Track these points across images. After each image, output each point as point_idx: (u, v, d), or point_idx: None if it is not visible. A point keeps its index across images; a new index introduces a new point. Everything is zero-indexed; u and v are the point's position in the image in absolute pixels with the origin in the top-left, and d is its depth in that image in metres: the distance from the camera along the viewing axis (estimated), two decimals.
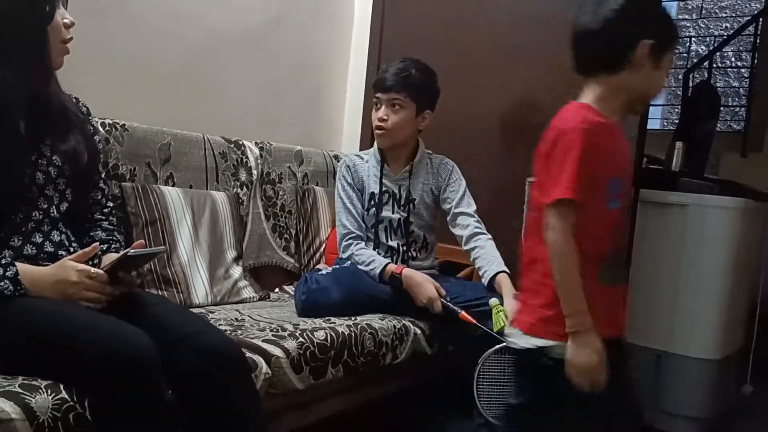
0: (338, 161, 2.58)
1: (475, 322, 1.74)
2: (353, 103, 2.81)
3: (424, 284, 1.87)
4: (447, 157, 2.15)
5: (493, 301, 1.78)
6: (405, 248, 2.08)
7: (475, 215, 2.04)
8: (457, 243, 2.06)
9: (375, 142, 2.12)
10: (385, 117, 2.01)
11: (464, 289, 1.96)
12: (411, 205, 2.08)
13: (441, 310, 1.84)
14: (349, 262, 2.01)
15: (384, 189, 2.08)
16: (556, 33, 2.26)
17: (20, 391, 1.05)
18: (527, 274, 1.29)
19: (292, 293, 2.10)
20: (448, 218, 2.07)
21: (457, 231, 2.04)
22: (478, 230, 2.00)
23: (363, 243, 2.04)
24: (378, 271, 1.93)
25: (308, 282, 1.90)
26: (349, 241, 2.03)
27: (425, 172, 2.10)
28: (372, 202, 2.07)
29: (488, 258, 1.93)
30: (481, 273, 1.94)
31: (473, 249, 1.98)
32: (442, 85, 2.10)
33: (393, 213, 2.07)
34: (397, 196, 2.08)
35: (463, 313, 1.79)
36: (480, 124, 2.42)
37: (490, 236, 2.00)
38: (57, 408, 1.06)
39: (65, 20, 1.32)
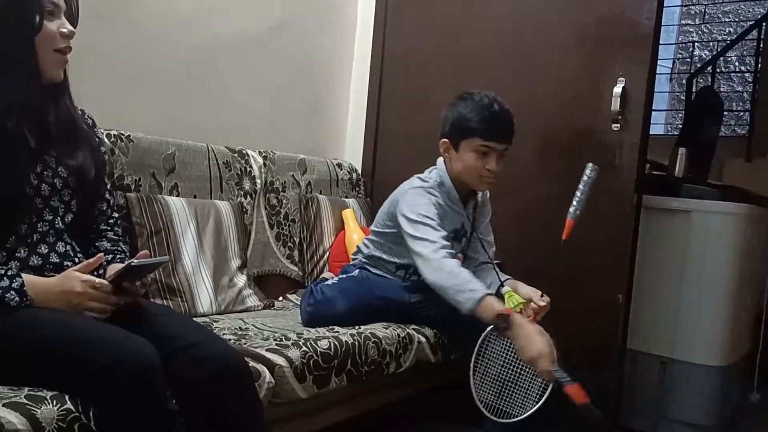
0: (341, 169, 2.59)
1: (587, 401, 1.44)
2: (356, 111, 2.82)
3: (537, 339, 1.53)
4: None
5: (506, 288, 1.84)
6: None
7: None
8: None
9: (445, 179, 1.88)
10: (496, 168, 1.83)
11: None
12: (469, 242, 1.97)
13: (552, 381, 1.51)
14: (356, 271, 1.95)
15: (464, 229, 1.94)
16: (559, 38, 2.31)
17: (26, 402, 1.06)
18: None
19: (296, 301, 2.11)
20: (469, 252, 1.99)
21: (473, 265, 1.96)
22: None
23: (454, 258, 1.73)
24: (474, 301, 1.60)
25: (314, 293, 1.89)
26: (443, 250, 1.72)
27: (485, 208, 2.02)
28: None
29: (494, 276, 1.92)
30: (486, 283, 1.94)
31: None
32: (443, 91, 2.10)
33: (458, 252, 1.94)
34: (467, 234, 1.96)
35: (571, 386, 1.46)
36: None
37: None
38: (62, 419, 1.06)
39: (62, 30, 1.27)
